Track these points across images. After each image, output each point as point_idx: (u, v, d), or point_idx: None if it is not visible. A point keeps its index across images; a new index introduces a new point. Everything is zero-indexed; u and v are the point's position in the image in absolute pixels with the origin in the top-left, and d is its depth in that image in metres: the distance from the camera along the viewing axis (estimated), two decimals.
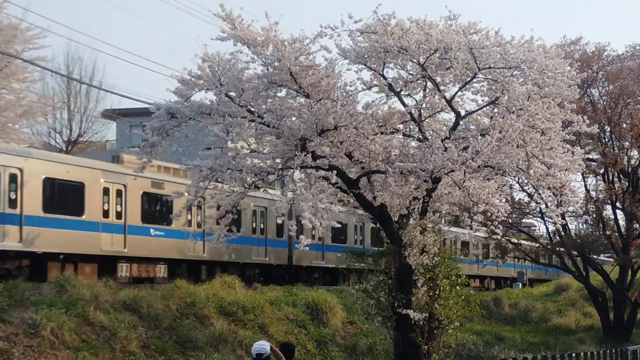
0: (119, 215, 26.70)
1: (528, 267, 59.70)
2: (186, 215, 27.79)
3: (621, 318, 40.44)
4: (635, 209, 37.93)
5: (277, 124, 19.36)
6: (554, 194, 21.60)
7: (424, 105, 21.57)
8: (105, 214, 26.22)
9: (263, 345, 11.48)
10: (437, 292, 21.43)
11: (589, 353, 24.28)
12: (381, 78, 20.66)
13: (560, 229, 37.21)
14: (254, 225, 32.66)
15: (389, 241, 21.70)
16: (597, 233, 40.23)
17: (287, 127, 19.26)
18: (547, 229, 41.72)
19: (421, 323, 20.91)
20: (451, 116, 21.76)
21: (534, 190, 24.73)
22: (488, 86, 20.90)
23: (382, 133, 20.65)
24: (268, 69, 19.55)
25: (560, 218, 22.61)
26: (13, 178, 23.16)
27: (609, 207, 40.18)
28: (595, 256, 42.26)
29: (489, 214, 21.27)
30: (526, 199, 37.92)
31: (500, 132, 19.82)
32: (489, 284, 57.25)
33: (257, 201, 31.78)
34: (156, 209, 28.61)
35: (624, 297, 39.99)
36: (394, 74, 20.90)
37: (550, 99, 20.70)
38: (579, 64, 34.77)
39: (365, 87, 20.82)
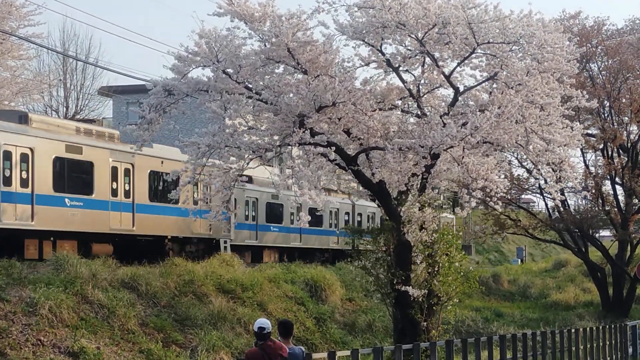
0: (24, 183, 23.23)
1: None
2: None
3: (620, 293, 40.47)
4: (635, 184, 37.85)
5: (275, 101, 19.25)
6: (553, 169, 21.51)
7: (422, 81, 21.46)
8: (7, 181, 22.72)
9: (267, 322, 11.52)
10: (436, 269, 21.40)
11: (588, 329, 24.30)
12: (379, 54, 20.55)
13: (560, 205, 37.14)
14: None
15: (387, 218, 21.65)
16: (597, 209, 40.17)
17: (285, 103, 19.15)
18: (546, 204, 41.64)
19: (420, 299, 20.90)
20: (450, 92, 21.67)
21: (533, 166, 24.66)
22: (487, 61, 20.79)
23: (380, 109, 20.55)
24: (265, 45, 19.44)
25: (559, 194, 22.50)
26: None
27: (608, 182, 40.12)
28: (596, 233, 42.07)
29: (487, 190, 21.19)
30: (525, 174, 37.90)
31: (499, 107, 19.72)
32: None
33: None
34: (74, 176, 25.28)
35: (623, 272, 40.00)
36: (392, 50, 20.84)
37: (549, 74, 20.57)
38: (578, 38, 34.63)
39: (363, 63, 20.72)
